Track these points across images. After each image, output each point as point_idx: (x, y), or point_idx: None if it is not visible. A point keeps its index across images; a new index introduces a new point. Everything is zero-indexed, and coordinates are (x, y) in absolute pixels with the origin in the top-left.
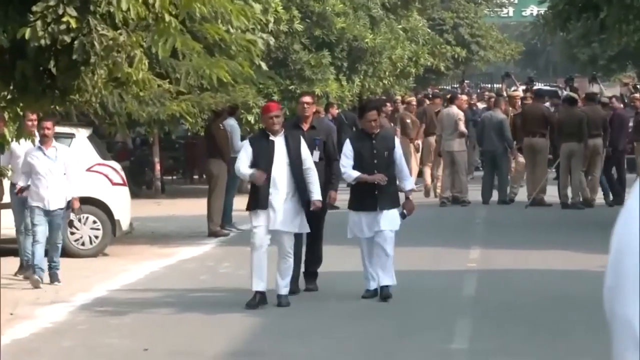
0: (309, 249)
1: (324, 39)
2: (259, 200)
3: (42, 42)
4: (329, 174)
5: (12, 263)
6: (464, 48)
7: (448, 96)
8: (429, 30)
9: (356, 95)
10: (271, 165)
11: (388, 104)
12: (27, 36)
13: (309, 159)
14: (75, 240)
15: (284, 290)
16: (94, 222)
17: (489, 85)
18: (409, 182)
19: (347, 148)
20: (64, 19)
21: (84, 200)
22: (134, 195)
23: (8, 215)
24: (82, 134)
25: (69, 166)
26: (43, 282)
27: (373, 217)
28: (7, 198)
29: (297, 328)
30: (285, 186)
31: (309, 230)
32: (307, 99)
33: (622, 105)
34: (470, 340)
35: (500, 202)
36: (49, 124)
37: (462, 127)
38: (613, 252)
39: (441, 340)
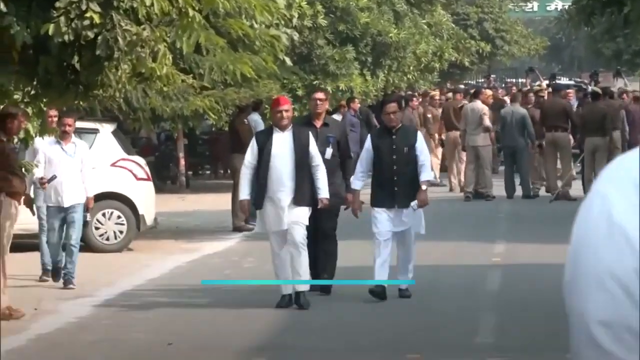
0: (322, 252)
1: (348, 34)
2: (263, 198)
3: (66, 37)
4: (344, 174)
5: (33, 260)
6: (489, 43)
7: (472, 91)
8: (453, 25)
9: (380, 90)
10: (269, 161)
11: (414, 99)
12: (50, 32)
13: (317, 156)
14: (100, 236)
15: (302, 286)
16: (119, 217)
17: (514, 80)
18: (426, 173)
19: (366, 148)
20: (88, 15)
21: (109, 195)
22: (159, 190)
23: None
24: (106, 129)
25: (86, 163)
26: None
27: (395, 214)
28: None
29: (320, 323)
30: (291, 182)
31: (306, 223)
32: (320, 95)
33: None
34: (495, 334)
35: (525, 196)
36: (70, 120)
37: (486, 121)
38: (571, 245)
39: (465, 334)
